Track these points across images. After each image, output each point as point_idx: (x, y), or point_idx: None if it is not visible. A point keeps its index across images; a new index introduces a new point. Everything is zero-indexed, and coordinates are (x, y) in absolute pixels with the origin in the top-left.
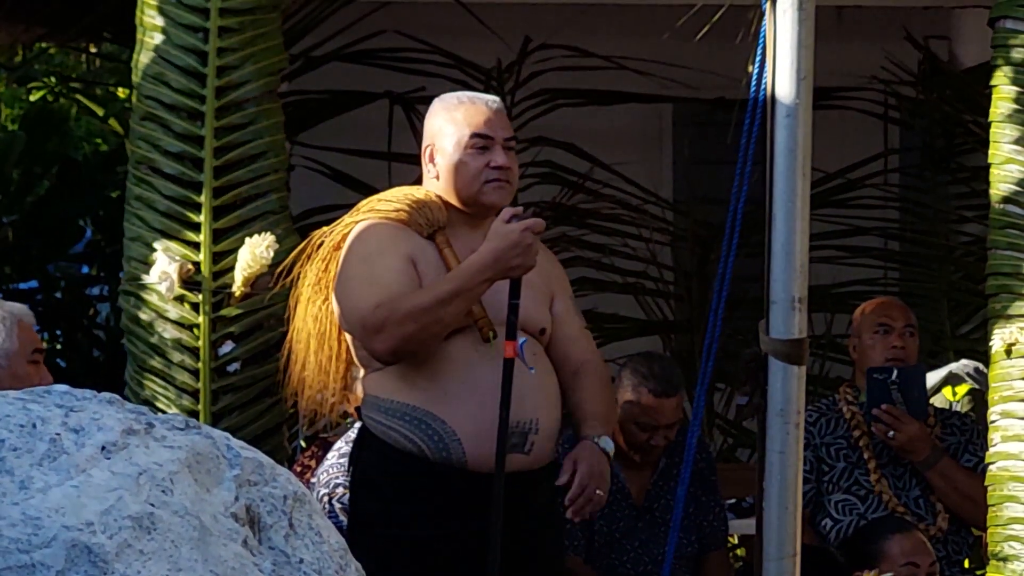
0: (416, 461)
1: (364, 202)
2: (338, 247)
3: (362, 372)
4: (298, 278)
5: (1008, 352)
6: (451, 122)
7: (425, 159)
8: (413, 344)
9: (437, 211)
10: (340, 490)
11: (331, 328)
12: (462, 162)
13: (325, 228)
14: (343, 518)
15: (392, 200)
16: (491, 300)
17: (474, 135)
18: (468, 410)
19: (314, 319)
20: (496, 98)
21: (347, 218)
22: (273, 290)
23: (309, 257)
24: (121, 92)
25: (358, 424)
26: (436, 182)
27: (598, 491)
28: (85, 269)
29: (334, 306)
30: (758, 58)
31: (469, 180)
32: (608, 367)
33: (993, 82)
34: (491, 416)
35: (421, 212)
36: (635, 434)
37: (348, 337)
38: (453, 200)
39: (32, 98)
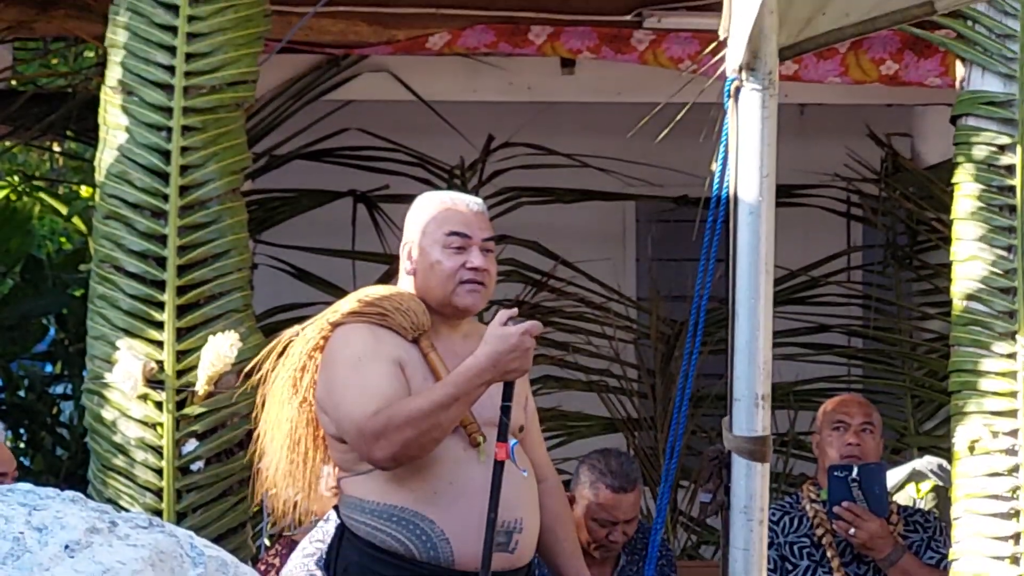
0: (403, 560)
1: (343, 302)
2: (316, 350)
3: (327, 471)
4: (267, 376)
5: (971, 449)
6: (430, 220)
7: (403, 256)
8: (413, 449)
9: (421, 314)
10: None
11: (307, 430)
12: (438, 261)
13: (297, 327)
14: None
15: (374, 303)
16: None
17: (451, 233)
18: (457, 510)
19: (288, 420)
20: (479, 200)
21: (322, 319)
22: (238, 389)
23: (281, 355)
24: (85, 191)
25: (322, 523)
26: (411, 279)
27: None
28: (49, 368)
29: (319, 412)
30: (721, 156)
31: (444, 280)
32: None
33: (955, 179)
34: (479, 516)
35: (406, 316)
36: (594, 530)
37: (329, 440)
38: (427, 299)
39: None
